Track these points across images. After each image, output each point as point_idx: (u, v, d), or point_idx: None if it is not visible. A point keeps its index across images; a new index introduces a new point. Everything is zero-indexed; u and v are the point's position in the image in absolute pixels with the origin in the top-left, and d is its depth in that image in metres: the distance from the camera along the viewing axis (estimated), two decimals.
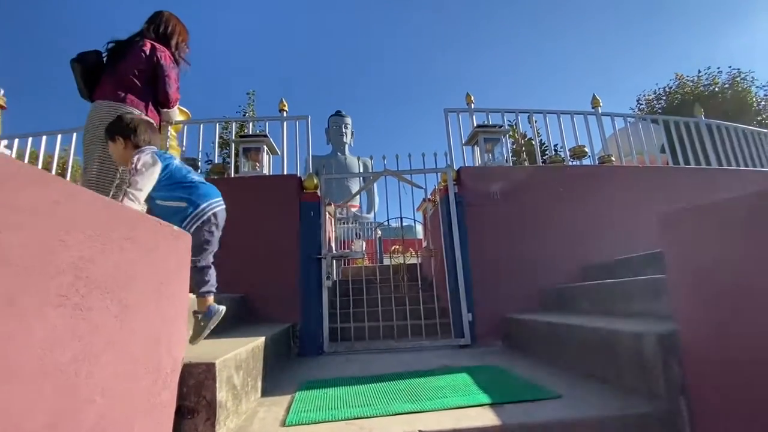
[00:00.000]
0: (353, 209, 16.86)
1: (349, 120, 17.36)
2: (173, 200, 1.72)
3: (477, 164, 3.59)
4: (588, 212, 3.25)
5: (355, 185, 17.78)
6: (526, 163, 3.74)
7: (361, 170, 14.72)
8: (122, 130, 1.74)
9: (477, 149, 3.66)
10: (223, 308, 1.75)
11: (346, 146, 17.24)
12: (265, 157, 3.36)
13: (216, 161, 3.63)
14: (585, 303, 2.44)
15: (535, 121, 4.23)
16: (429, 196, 5.88)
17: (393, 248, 10.86)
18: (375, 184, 19.39)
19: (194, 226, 1.70)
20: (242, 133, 3.57)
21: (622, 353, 1.56)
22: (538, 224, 3.16)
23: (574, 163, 3.81)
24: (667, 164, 4.82)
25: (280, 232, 3.02)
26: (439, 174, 3.28)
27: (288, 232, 3.01)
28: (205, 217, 1.75)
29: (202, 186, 1.83)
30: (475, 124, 3.95)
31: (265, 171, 3.34)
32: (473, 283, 2.97)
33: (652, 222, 3.29)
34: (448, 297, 3.09)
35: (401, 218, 3.15)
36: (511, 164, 3.50)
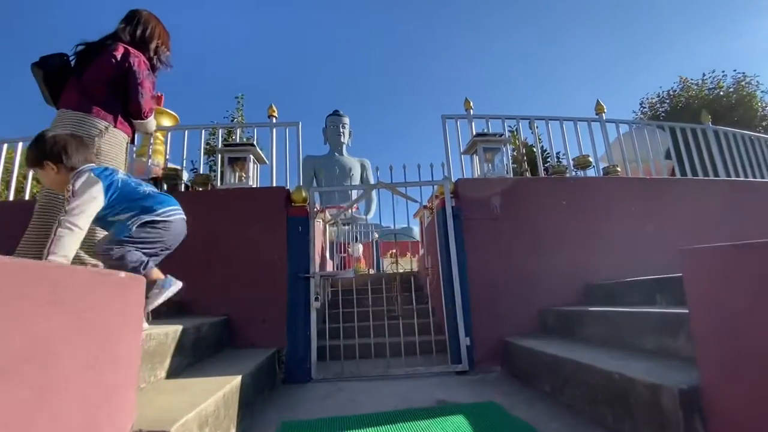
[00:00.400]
0: (351, 211, 16.72)
1: (347, 120, 17.16)
2: (126, 212, 1.59)
3: (476, 175, 3.41)
4: (592, 226, 3.09)
5: (354, 183, 17.60)
6: (528, 174, 3.56)
7: (359, 171, 14.48)
8: (48, 154, 1.55)
9: (476, 159, 3.49)
10: (174, 285, 1.64)
11: (344, 146, 17.03)
12: (252, 167, 3.17)
13: (202, 171, 3.42)
14: (592, 330, 2.27)
15: (536, 128, 4.05)
16: (426, 203, 5.72)
17: (390, 252, 10.68)
18: (372, 180, 19.24)
19: (140, 224, 1.57)
20: (228, 141, 3.38)
21: (638, 405, 1.40)
22: (539, 239, 2.99)
23: (578, 173, 3.64)
24: (673, 170, 4.65)
25: (266, 249, 2.84)
26: (435, 186, 3.11)
27: (274, 249, 2.83)
28: (156, 219, 1.61)
29: (157, 195, 1.73)
30: (474, 132, 3.77)
31: (252, 183, 3.16)
32: (471, 305, 2.80)
33: (661, 238, 3.14)
34: (444, 315, 2.92)
35: (395, 234, 2.97)
36: (512, 175, 3.33)
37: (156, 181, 3.37)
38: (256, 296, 2.75)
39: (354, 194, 17.18)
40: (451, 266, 2.84)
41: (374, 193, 18.12)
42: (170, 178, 3.20)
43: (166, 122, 5.34)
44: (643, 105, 7.20)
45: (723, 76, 7.66)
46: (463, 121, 3.84)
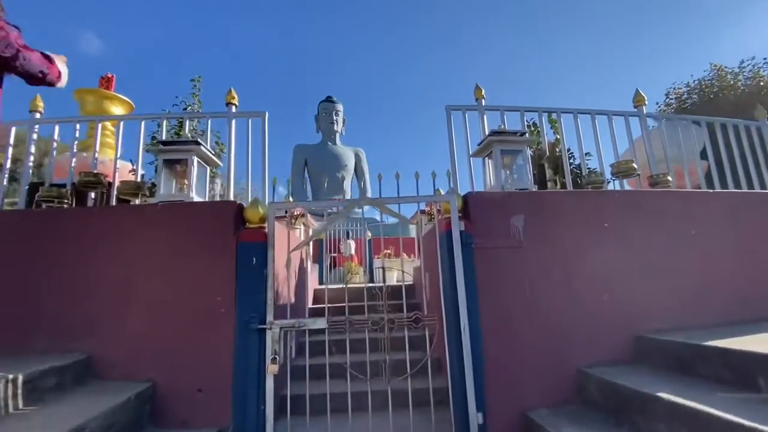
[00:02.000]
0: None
1: (340, 106, 16.19)
2: None
3: (490, 185, 2.65)
4: (643, 256, 2.35)
5: (348, 175, 16.69)
6: (558, 184, 2.80)
7: (353, 161, 13.52)
8: None
9: (489, 163, 2.72)
10: None
11: (337, 135, 16.09)
12: (196, 172, 2.38)
13: (141, 175, 2.63)
14: (662, 429, 1.56)
15: (556, 123, 3.27)
16: (424, 207, 4.95)
17: (383, 253, 9.90)
18: (367, 173, 18.36)
19: None
20: (163, 139, 2.58)
21: None
22: (574, 274, 2.26)
23: (616, 181, 2.89)
24: (708, 172, 3.90)
25: (206, 288, 2.08)
26: (440, 204, 2.34)
27: (218, 288, 2.08)
28: None
29: None
30: (486, 129, 2.99)
31: (195, 194, 2.36)
32: (485, 364, 2.08)
33: (734, 268, 2.42)
34: (448, 373, 2.20)
35: (384, 268, 2.20)
36: (536, 185, 2.58)
37: (76, 190, 2.58)
38: (191, 355, 2.01)
39: (347, 184, 16.42)
40: (459, 311, 2.11)
41: (368, 184, 17.32)
42: (87, 185, 2.41)
43: (118, 110, 4.51)
44: (669, 96, 6.44)
45: (765, 63, 6.78)
46: (472, 114, 3.06)
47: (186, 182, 2.36)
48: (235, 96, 2.93)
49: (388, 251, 10.21)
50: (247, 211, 2.19)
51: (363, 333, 2.15)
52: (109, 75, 4.39)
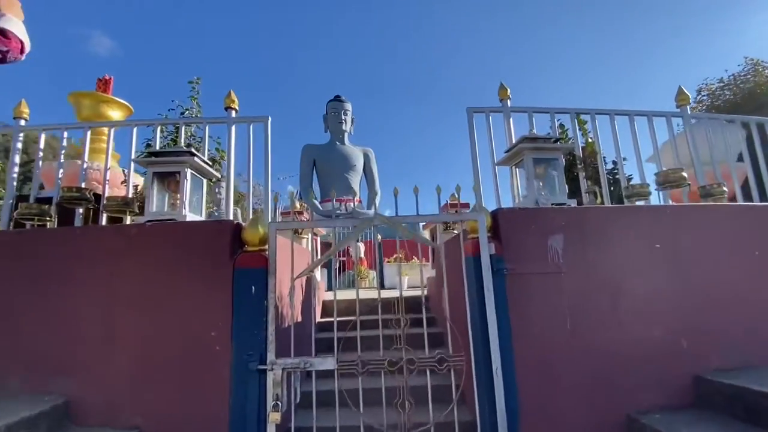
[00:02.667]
0: (352, 204, 15.58)
1: (349, 105, 15.84)
2: None
3: (518, 199, 2.34)
4: (700, 282, 2.03)
5: (356, 175, 16.43)
6: (599, 197, 2.48)
7: (362, 161, 13.11)
8: None
9: (517, 173, 2.42)
10: None
11: (346, 134, 15.78)
12: (189, 186, 2.12)
13: (134, 187, 2.38)
14: None
15: (585, 125, 2.94)
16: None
17: (394, 257, 9.58)
18: (376, 173, 18.02)
19: None
20: (153, 149, 2.33)
21: None
22: (622, 303, 1.95)
23: (661, 192, 2.55)
24: (745, 177, 3.52)
25: (198, 321, 1.82)
26: (465, 223, 2.04)
27: (212, 322, 1.82)
28: None
29: None
30: (512, 133, 2.68)
31: (188, 211, 2.10)
32: (520, 409, 1.79)
33: None
34: (477, 421, 1.91)
35: (400, 298, 1.90)
36: (570, 198, 2.25)
37: (60, 207, 2.34)
38: (182, 399, 1.75)
39: (356, 184, 16.16)
40: (490, 348, 1.82)
41: (378, 184, 17.05)
42: (71, 202, 2.17)
43: (116, 113, 4.29)
44: (702, 93, 6.00)
45: None
46: (496, 116, 2.76)
47: (179, 197, 2.10)
48: (235, 99, 2.66)
49: (400, 256, 9.93)
50: (245, 231, 1.92)
51: (376, 354, 1.86)
52: (107, 77, 4.17)
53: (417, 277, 9.54)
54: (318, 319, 4.17)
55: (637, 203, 2.36)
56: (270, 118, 2.66)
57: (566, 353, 1.86)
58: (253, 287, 1.84)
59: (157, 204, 2.08)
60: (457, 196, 4.63)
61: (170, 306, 1.84)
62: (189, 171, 2.12)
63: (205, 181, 2.33)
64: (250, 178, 2.61)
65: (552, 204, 2.10)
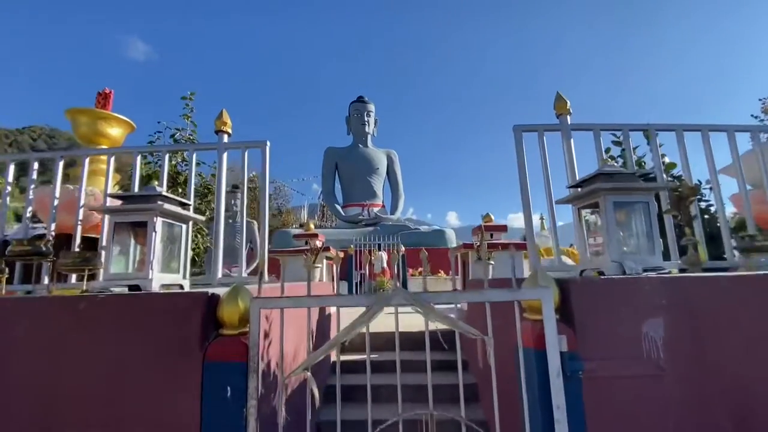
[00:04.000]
0: (375, 209, 14.99)
1: (372, 107, 15.41)
2: None
3: (589, 259, 1.74)
4: None
5: (380, 179, 15.81)
6: (702, 253, 1.83)
7: (385, 163, 12.50)
8: None
9: (586, 219, 1.81)
10: None
11: (369, 136, 15.33)
12: (159, 237, 1.67)
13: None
14: None
15: (659, 147, 2.28)
16: (474, 240, 4.07)
17: (419, 270, 9.00)
18: (400, 175, 17.42)
19: None
20: (119, 190, 1.89)
21: None
22: (756, 425, 1.33)
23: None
24: None
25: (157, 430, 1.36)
26: (519, 302, 1.45)
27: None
28: None
29: None
30: (574, 158, 2.07)
31: (157, 274, 1.64)
32: None
33: None
34: None
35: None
36: (667, 260, 1.62)
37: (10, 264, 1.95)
38: None
39: (379, 188, 15.58)
40: None
41: (402, 187, 16.37)
42: (23, 257, 1.77)
43: (115, 131, 3.96)
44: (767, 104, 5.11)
45: None
46: (552, 136, 2.16)
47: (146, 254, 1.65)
48: (228, 122, 2.20)
49: (424, 270, 9.31)
50: (222, 308, 1.44)
51: None
52: (107, 90, 3.84)
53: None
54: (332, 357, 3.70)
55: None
56: (269, 144, 2.18)
57: None
58: (228, 387, 1.35)
59: (117, 264, 1.63)
60: (491, 216, 3.94)
61: (122, 413, 1.38)
62: (159, 220, 1.66)
63: (185, 226, 1.87)
64: (243, 210, 2.15)
65: (644, 270, 1.50)
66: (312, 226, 4.47)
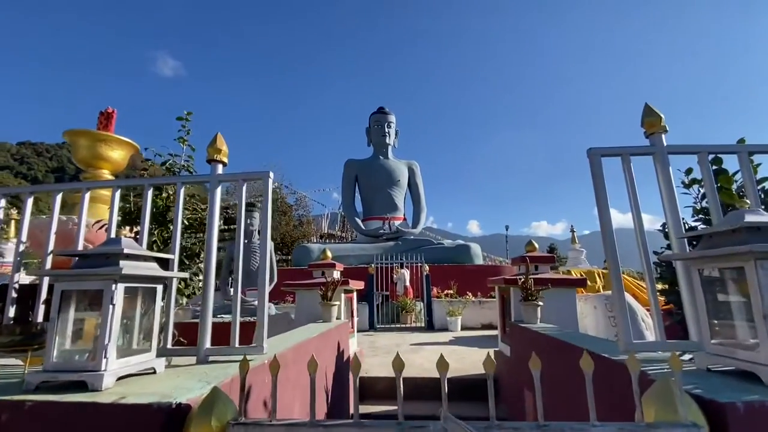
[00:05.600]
0: (397, 222, 14.47)
1: (393, 118, 15.02)
2: None
3: (725, 346, 1.19)
4: None
5: (400, 191, 15.27)
6: None
7: (407, 175, 12.01)
8: None
9: (698, 284, 1.27)
10: None
11: (390, 147, 14.90)
12: (119, 311, 1.25)
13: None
14: None
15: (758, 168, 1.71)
16: (520, 273, 3.52)
17: (445, 292, 8.39)
18: (422, 187, 16.87)
19: None
20: (77, 248, 1.49)
21: None
22: None
23: None
24: None
25: None
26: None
27: None
28: None
29: None
30: (674, 189, 1.54)
31: (112, 367, 1.21)
32: None
33: None
34: None
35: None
36: None
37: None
38: None
39: (400, 200, 15.07)
40: None
41: (424, 199, 15.79)
42: None
43: (116, 153, 3.67)
44: None
45: None
46: (644, 162, 1.63)
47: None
48: (222, 149, 1.78)
49: (451, 292, 8.69)
50: (192, 425, 0.98)
51: None
52: (110, 109, 3.56)
53: (472, 316, 8.30)
54: (351, 403, 3.21)
55: None
56: (271, 174, 1.75)
57: None
58: None
59: (60, 350, 1.21)
60: (535, 245, 3.35)
61: None
62: (121, 287, 1.23)
63: (160, 287, 1.44)
64: (239, 252, 1.71)
65: None
66: (329, 254, 4.02)
